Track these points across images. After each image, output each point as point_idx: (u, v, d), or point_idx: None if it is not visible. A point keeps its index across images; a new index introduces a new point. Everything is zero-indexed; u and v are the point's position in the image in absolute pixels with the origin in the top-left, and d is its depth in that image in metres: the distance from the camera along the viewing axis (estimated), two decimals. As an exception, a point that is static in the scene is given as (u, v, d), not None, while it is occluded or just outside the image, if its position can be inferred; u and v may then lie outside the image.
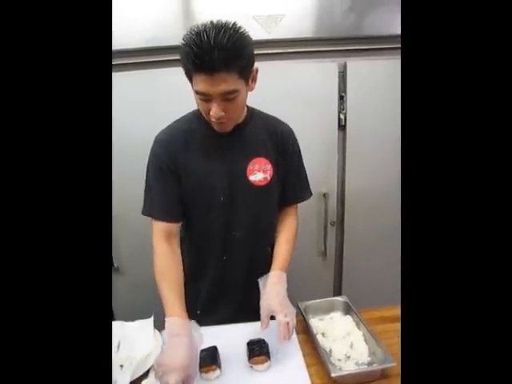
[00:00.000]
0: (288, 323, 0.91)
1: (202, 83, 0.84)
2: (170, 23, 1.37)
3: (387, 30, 1.48)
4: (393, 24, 1.46)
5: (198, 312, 1.17)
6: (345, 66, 1.55)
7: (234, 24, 0.83)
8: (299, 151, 1.13)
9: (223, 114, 0.89)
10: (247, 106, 1.06)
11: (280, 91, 1.52)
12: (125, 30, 1.40)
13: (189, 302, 1.23)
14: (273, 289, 1.00)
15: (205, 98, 0.87)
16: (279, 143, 1.06)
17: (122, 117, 1.45)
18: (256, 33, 1.42)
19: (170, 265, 0.99)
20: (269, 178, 1.04)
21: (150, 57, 1.48)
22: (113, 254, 1.67)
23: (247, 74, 0.89)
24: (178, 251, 1.05)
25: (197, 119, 1.03)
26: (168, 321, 0.89)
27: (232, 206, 1.04)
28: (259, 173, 1.03)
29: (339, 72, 1.55)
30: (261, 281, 1.03)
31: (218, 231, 1.07)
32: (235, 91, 0.87)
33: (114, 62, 1.43)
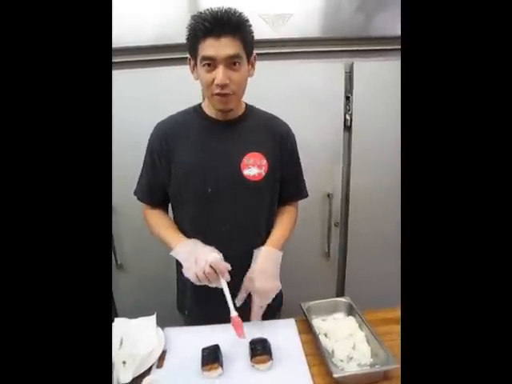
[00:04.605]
0: (261, 307, 0.99)
1: (208, 48, 0.88)
2: (176, 21, 1.37)
3: (395, 31, 1.47)
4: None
5: (186, 313, 1.15)
6: (351, 67, 1.54)
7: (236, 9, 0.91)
8: (297, 150, 1.13)
9: (227, 81, 0.91)
10: (246, 104, 1.07)
11: (286, 91, 1.52)
12: (130, 28, 1.41)
13: (178, 301, 1.21)
14: (259, 266, 0.99)
15: (210, 63, 0.90)
16: (277, 141, 1.06)
17: (127, 114, 1.46)
18: (263, 32, 1.43)
19: (161, 217, 1.12)
20: (263, 174, 1.02)
21: (155, 55, 1.49)
22: (116, 251, 1.67)
23: (249, 50, 0.94)
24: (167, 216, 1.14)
25: (195, 112, 1.06)
26: (177, 246, 0.99)
27: (221, 199, 1.02)
28: (254, 167, 1.01)
29: (346, 72, 1.55)
30: (253, 256, 1.02)
31: (203, 224, 1.04)
32: (239, 56, 0.91)
33: (119, 59, 1.44)
